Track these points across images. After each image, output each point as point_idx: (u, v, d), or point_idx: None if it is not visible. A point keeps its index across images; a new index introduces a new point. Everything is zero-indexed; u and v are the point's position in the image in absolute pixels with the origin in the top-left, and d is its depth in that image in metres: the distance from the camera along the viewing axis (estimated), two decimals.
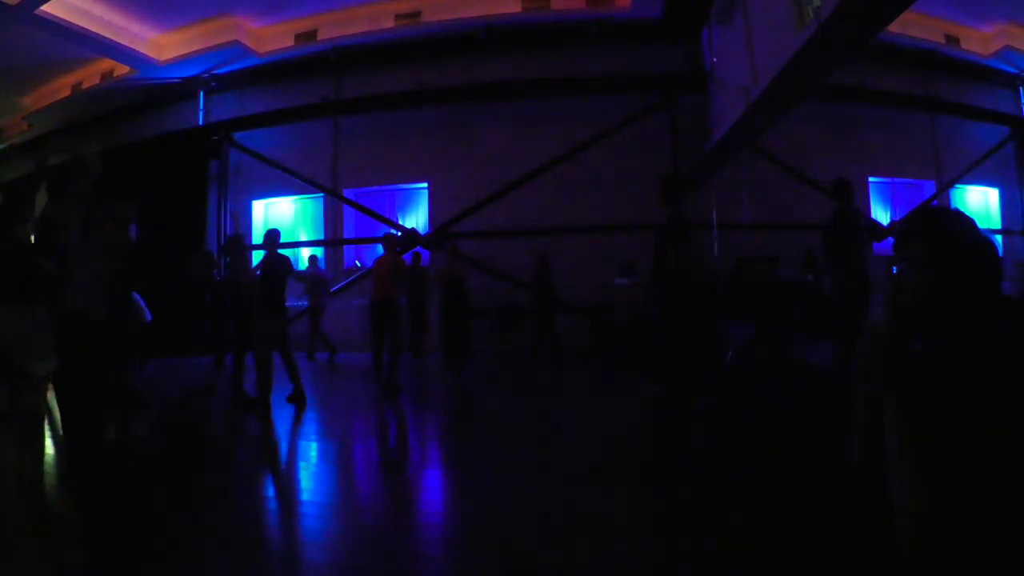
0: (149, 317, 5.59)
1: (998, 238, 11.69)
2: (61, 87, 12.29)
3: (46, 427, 3.33)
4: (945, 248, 1.07)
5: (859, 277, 5.13)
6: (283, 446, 4.61)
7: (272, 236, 5.89)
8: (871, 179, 11.21)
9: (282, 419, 5.23)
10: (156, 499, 3.17)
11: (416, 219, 11.27)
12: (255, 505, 3.22)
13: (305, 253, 10.78)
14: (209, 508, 3.07)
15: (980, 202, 12.12)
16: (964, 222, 1.11)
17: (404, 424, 5.37)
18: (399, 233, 10.39)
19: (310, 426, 5.18)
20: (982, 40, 11.12)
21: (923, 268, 1.08)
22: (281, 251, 5.90)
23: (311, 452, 4.43)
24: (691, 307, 5.29)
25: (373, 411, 5.84)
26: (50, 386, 3.11)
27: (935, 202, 11.04)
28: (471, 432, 5.03)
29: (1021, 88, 12.05)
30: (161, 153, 11.56)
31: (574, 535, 2.62)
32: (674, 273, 5.27)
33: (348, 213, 11.47)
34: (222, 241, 11.30)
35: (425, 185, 11.15)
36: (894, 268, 1.13)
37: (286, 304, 5.77)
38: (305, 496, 3.38)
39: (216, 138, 11.53)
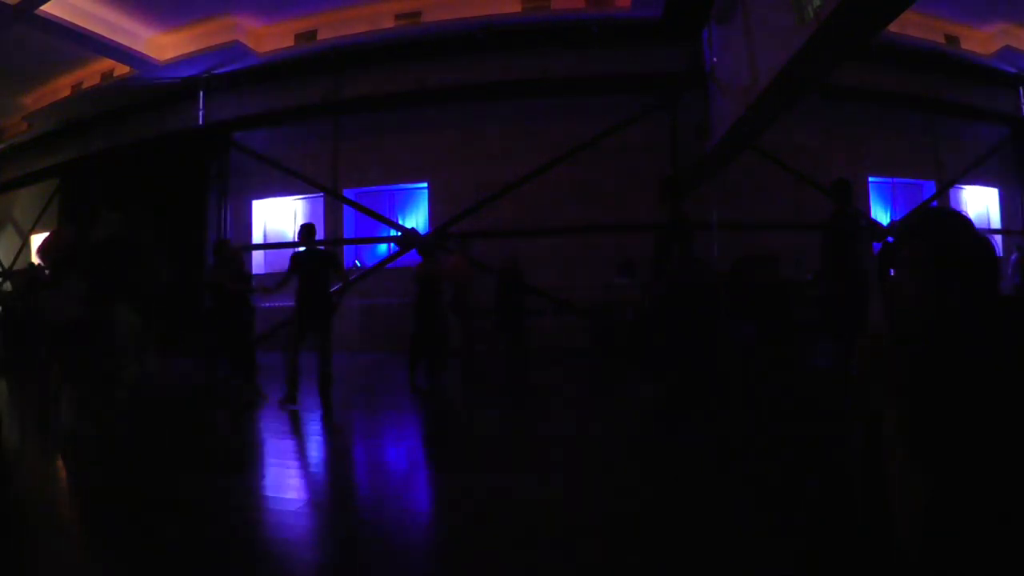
0: None
1: (998, 238, 11.69)
2: (61, 87, 12.29)
3: None
4: (943, 249, 1.07)
5: (858, 277, 5.13)
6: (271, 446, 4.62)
7: (308, 231, 5.78)
8: (871, 179, 11.20)
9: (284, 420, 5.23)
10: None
11: (416, 219, 11.27)
12: (237, 504, 3.22)
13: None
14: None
15: (980, 202, 12.12)
16: (962, 223, 1.11)
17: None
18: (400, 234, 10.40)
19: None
20: (982, 40, 11.11)
21: (922, 269, 1.08)
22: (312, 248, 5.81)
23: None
24: (692, 307, 5.29)
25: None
26: None
27: (935, 202, 11.04)
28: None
29: (1021, 88, 12.04)
30: (161, 153, 11.56)
31: (568, 536, 2.62)
32: (675, 273, 5.27)
33: (348, 213, 11.47)
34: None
35: (425, 185, 11.14)
36: (891, 270, 1.13)
37: (328, 301, 5.67)
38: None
39: (216, 138, 11.52)
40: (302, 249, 5.71)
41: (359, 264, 11.42)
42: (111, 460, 3.88)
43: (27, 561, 2.42)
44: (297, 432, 4.95)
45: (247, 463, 4.15)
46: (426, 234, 10.56)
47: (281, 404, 5.52)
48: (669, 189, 5.28)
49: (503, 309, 8.09)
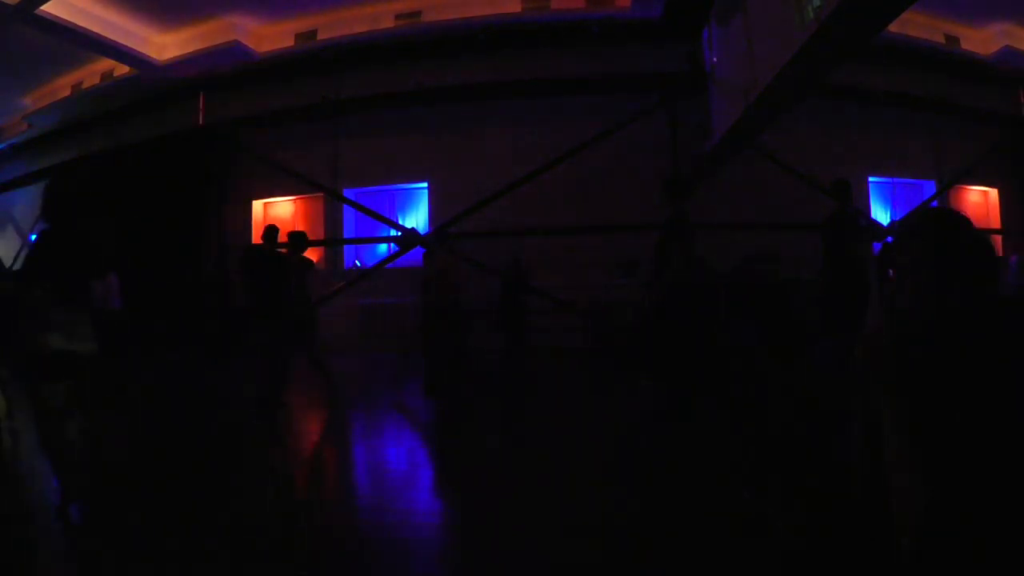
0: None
1: (998, 238, 11.69)
2: (61, 87, 12.29)
3: None
4: (943, 249, 1.07)
5: (858, 277, 5.14)
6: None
7: (265, 233, 5.76)
8: (871, 179, 11.20)
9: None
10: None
11: (416, 219, 11.27)
12: (254, 504, 3.22)
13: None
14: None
15: (980, 202, 12.12)
16: (962, 223, 1.11)
17: None
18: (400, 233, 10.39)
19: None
20: (982, 40, 11.11)
21: (921, 269, 1.08)
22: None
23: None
24: (693, 307, 5.28)
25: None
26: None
27: (935, 202, 11.04)
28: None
29: (1021, 88, 12.04)
30: (161, 153, 11.55)
31: (569, 535, 2.62)
32: (676, 273, 5.26)
33: (348, 213, 11.47)
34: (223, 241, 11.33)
35: (425, 185, 11.14)
36: (891, 271, 1.13)
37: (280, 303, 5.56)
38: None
39: (216, 138, 11.52)
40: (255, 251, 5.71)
41: (359, 264, 11.41)
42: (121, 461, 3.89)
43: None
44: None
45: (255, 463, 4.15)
46: (426, 234, 10.56)
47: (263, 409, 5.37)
48: (672, 189, 5.28)
49: (505, 309, 8.08)
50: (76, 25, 9.62)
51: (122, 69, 11.34)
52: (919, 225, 1.13)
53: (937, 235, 1.09)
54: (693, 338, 5.39)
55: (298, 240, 5.92)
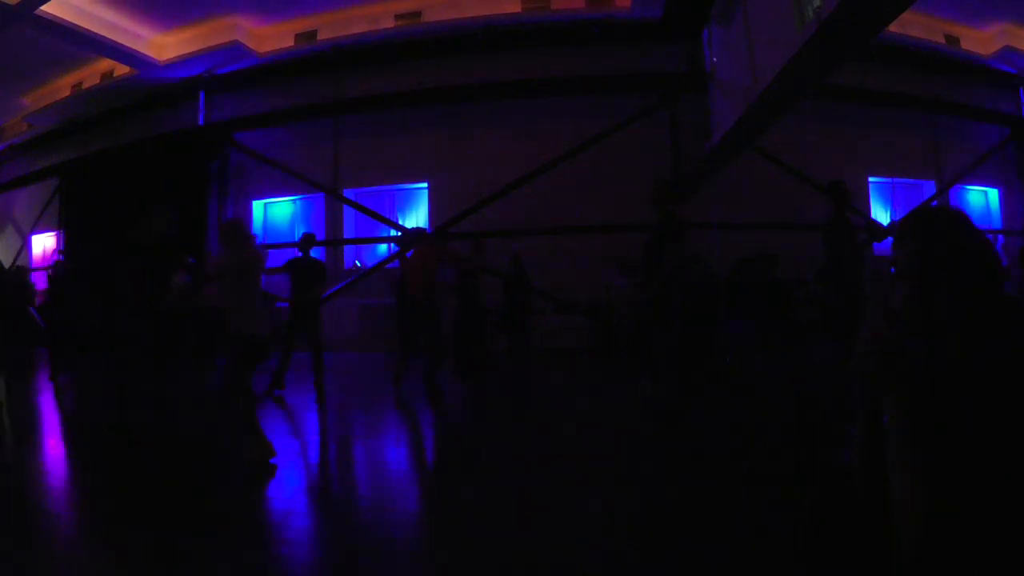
0: None
1: (998, 238, 11.69)
2: (61, 87, 12.30)
3: None
4: (943, 249, 1.07)
5: (854, 278, 5.15)
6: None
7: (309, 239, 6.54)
8: (871, 179, 11.20)
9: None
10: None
11: (416, 219, 11.27)
12: (249, 503, 3.22)
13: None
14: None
15: (980, 202, 12.13)
16: (961, 222, 1.10)
17: None
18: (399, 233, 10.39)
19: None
20: (982, 40, 11.12)
21: (920, 269, 1.07)
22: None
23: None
24: (687, 307, 5.28)
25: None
26: None
27: (935, 202, 11.04)
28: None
29: (1021, 88, 12.05)
30: (161, 153, 11.55)
31: (570, 535, 2.62)
32: (668, 273, 5.25)
33: (348, 213, 11.47)
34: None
35: (425, 185, 11.14)
36: (891, 269, 1.13)
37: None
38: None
39: (216, 138, 11.52)
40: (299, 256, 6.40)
41: (359, 264, 11.41)
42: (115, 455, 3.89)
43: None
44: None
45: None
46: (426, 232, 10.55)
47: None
48: (662, 192, 5.28)
49: (508, 310, 8.08)
50: (76, 25, 9.63)
51: (122, 69, 11.34)
52: (919, 225, 1.13)
53: (937, 234, 1.08)
54: (689, 338, 5.38)
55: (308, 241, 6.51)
